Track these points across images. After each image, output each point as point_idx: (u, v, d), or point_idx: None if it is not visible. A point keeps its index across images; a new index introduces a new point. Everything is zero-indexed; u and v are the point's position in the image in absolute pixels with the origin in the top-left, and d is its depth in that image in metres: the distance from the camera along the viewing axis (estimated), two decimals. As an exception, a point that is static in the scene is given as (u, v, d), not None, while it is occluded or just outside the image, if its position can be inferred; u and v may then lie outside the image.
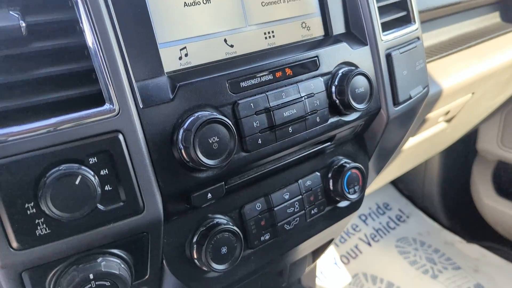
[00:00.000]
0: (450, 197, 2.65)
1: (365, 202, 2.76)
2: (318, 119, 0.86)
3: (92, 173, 0.61)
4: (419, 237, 2.57)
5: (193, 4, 0.76)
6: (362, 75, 0.89)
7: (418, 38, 1.08)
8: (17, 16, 0.58)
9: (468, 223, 2.64)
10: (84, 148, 0.61)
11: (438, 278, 2.28)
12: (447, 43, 1.55)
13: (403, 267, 2.35)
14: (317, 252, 1.22)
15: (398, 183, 2.89)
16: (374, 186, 1.88)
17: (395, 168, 1.81)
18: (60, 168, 0.59)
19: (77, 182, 0.59)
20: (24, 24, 0.59)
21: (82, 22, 0.62)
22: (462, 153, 2.59)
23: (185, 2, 0.75)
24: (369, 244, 2.51)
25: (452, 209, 2.66)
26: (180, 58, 0.76)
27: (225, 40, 0.80)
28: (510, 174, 2.45)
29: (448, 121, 1.68)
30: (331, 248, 2.44)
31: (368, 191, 1.90)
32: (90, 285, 0.63)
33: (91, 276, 0.63)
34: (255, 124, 0.77)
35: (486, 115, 2.05)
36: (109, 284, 0.65)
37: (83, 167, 0.60)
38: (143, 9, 0.70)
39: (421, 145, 1.68)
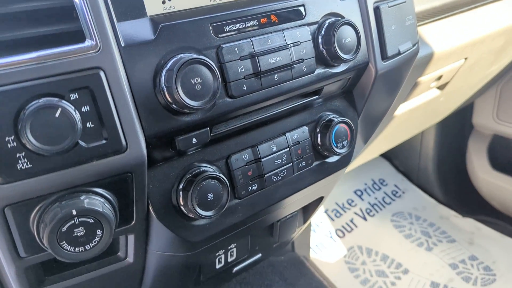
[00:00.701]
0: (445, 172, 2.65)
1: (361, 178, 2.78)
2: (304, 68, 0.86)
3: (73, 107, 0.61)
4: (415, 211, 2.58)
5: None
6: (349, 25, 0.89)
7: (407, -7, 1.08)
8: None
9: (464, 198, 2.65)
10: (64, 83, 0.61)
11: (433, 251, 2.29)
12: (440, 9, 1.54)
13: (398, 240, 2.36)
14: (308, 211, 1.22)
15: (393, 159, 2.89)
16: (369, 156, 1.88)
17: (389, 138, 1.81)
18: (40, 100, 0.59)
19: (57, 115, 0.59)
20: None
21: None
22: (457, 128, 2.59)
23: None
24: (364, 218, 2.52)
25: (447, 184, 2.66)
26: (164, 2, 0.75)
27: (210, -14, 0.80)
28: (505, 148, 2.45)
29: (441, 88, 1.68)
30: (327, 222, 2.45)
31: (362, 160, 1.91)
32: (73, 221, 0.63)
33: (74, 212, 0.63)
34: (239, 69, 0.77)
35: (480, 86, 2.04)
36: (93, 221, 0.65)
37: (63, 101, 0.60)
38: None
39: (414, 113, 1.68)
